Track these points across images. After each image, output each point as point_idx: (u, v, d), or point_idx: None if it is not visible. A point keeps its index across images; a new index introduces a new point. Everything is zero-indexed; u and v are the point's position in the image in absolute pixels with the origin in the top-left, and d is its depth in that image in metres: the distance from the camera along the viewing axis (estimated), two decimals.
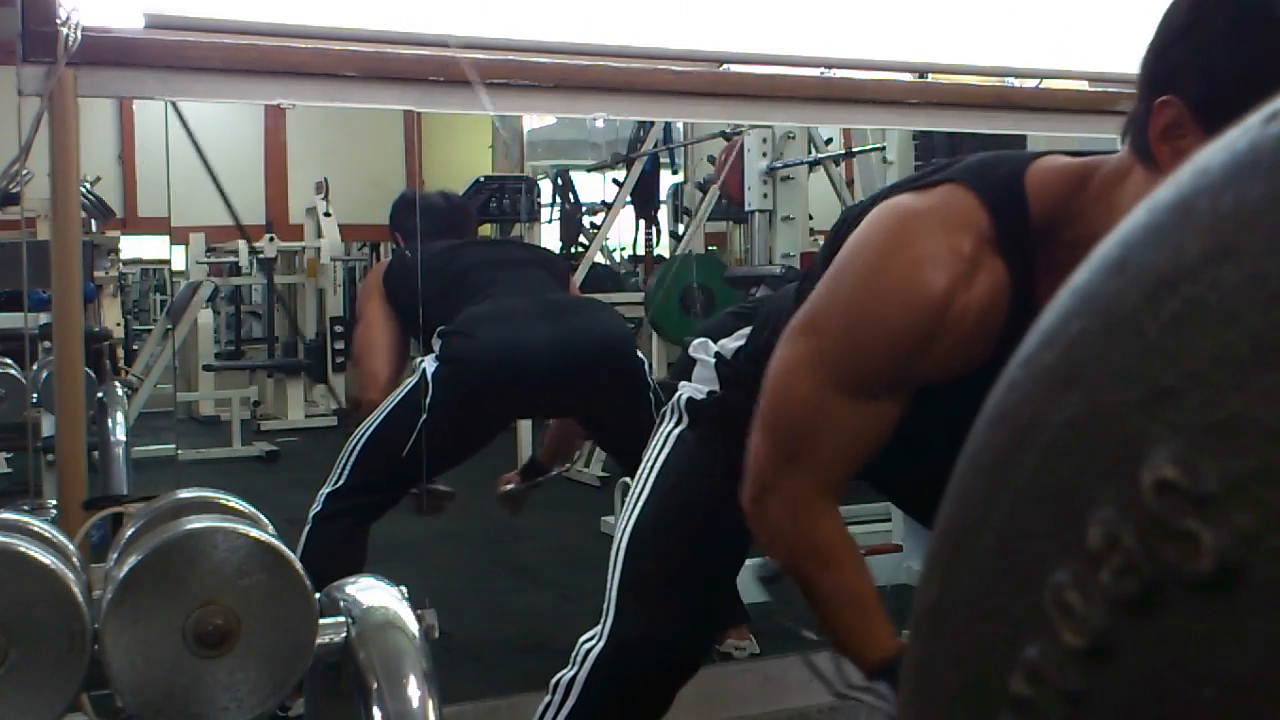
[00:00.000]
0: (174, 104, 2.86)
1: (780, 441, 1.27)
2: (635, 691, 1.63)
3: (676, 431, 1.66)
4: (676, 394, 1.68)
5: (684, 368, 1.71)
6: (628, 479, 3.16)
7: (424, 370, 2.60)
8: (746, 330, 1.63)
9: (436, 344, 2.64)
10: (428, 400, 2.54)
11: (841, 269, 1.24)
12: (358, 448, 2.62)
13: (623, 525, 1.64)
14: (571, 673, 1.62)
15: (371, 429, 2.62)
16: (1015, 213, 1.17)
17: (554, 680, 1.64)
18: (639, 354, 2.82)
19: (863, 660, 1.23)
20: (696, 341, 1.69)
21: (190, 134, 3.05)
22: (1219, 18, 0.99)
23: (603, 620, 1.62)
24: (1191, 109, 1.01)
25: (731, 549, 1.67)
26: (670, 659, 1.63)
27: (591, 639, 1.63)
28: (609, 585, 1.62)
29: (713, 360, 1.64)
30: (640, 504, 1.63)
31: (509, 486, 3.03)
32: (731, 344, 1.63)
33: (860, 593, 1.26)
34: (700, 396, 1.63)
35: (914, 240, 1.17)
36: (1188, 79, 1.01)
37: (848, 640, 1.27)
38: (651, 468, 1.65)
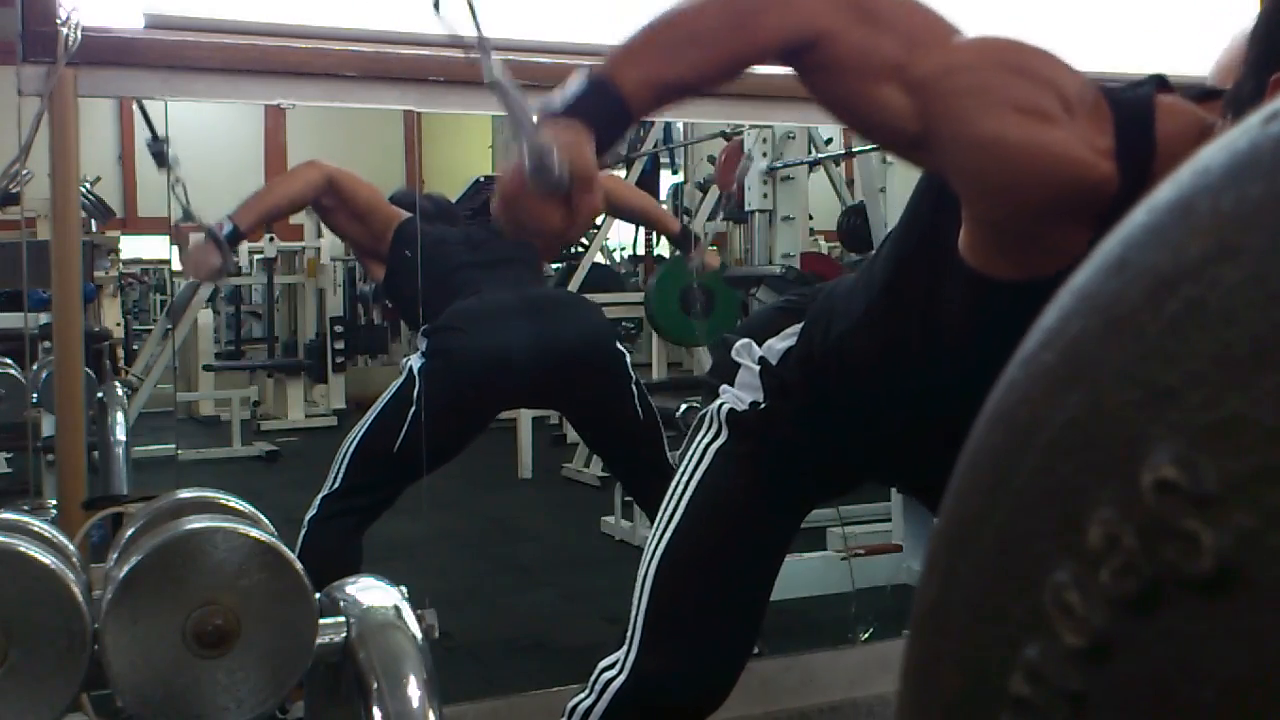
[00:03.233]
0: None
1: None
2: None
3: (715, 446, 1.50)
4: (716, 402, 1.52)
5: (725, 370, 1.54)
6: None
7: (411, 367, 2.64)
8: (796, 328, 1.47)
9: (422, 342, 2.67)
10: (415, 395, 2.57)
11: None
12: (350, 450, 2.64)
13: (653, 545, 1.50)
14: (589, 701, 1.50)
15: (363, 430, 2.65)
16: (1142, 145, 1.07)
17: (570, 705, 1.53)
18: (620, 348, 2.84)
19: (611, 60, 1.12)
20: (740, 343, 1.53)
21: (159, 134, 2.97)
22: None
23: (625, 649, 1.49)
24: None
25: (769, 581, 1.54)
26: (695, 696, 1.51)
27: (612, 667, 1.51)
28: (634, 612, 1.49)
29: (757, 366, 1.49)
30: (673, 525, 1.49)
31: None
32: (779, 345, 1.48)
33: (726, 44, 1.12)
34: (742, 408, 1.48)
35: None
36: None
37: (648, 37, 1.15)
38: (686, 483, 1.50)
